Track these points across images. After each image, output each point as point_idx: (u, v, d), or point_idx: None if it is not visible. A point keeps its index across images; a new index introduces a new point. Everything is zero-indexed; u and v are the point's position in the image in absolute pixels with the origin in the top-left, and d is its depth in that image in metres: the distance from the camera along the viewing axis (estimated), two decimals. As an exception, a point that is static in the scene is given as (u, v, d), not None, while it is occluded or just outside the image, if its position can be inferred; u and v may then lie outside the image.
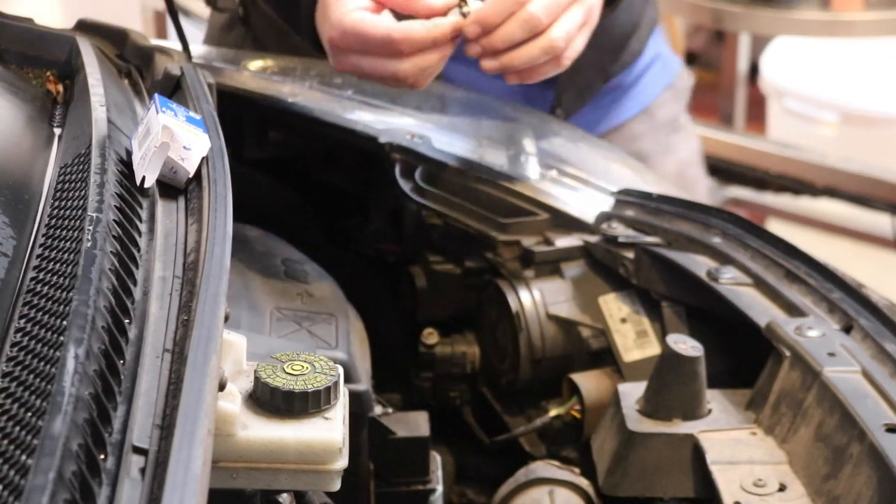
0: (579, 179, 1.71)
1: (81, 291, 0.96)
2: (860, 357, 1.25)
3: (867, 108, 3.53)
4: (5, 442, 0.85)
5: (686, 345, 1.31)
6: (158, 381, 0.94)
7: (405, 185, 1.66)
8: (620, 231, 1.54)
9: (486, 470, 1.65)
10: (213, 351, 0.93)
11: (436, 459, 1.45)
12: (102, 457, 0.85)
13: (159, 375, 0.94)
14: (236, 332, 1.10)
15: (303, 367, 1.07)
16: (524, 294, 1.57)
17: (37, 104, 1.40)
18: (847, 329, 1.30)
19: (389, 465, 1.42)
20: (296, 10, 1.61)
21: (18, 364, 0.93)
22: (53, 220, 1.12)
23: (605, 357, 1.53)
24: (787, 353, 1.28)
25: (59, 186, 1.18)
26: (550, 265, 1.59)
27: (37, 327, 0.97)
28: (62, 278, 1.01)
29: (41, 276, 1.04)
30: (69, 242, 1.06)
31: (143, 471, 0.85)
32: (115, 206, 1.11)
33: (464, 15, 1.48)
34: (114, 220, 1.09)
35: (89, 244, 1.03)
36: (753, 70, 3.87)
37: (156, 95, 1.27)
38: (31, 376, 0.91)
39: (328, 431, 1.03)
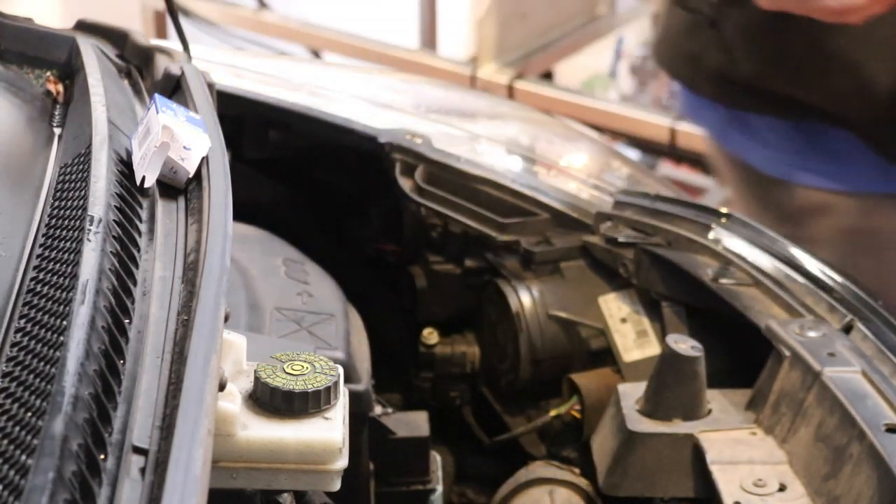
0: (579, 179, 1.71)
1: (81, 292, 0.96)
2: (860, 357, 1.25)
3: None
4: (5, 442, 0.85)
5: (686, 345, 1.31)
6: (158, 381, 0.94)
7: (405, 185, 1.66)
8: (620, 231, 1.54)
9: (486, 470, 1.65)
10: (213, 351, 0.93)
11: (436, 459, 1.45)
12: (102, 457, 0.85)
13: (159, 375, 0.94)
14: (236, 332, 1.10)
15: (303, 367, 1.07)
16: (524, 294, 1.57)
17: (37, 104, 1.40)
18: (847, 329, 1.30)
19: (389, 465, 1.42)
20: None
21: (18, 364, 0.93)
22: (53, 220, 1.12)
23: (605, 357, 1.53)
24: (787, 353, 1.28)
25: (59, 186, 1.18)
26: (550, 265, 1.59)
27: (37, 327, 0.97)
28: (62, 278, 1.01)
29: (41, 276, 1.04)
30: (69, 242, 1.06)
31: (143, 471, 0.85)
32: (115, 206, 1.11)
33: None
34: (114, 220, 1.09)
35: (89, 244, 1.03)
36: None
37: (156, 95, 1.27)
38: (31, 376, 0.91)
39: (328, 431, 1.03)
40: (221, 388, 1.00)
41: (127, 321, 0.99)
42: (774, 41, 1.68)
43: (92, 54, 1.46)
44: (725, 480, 1.21)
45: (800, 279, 1.38)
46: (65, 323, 0.94)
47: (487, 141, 1.77)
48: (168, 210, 1.18)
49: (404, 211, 1.68)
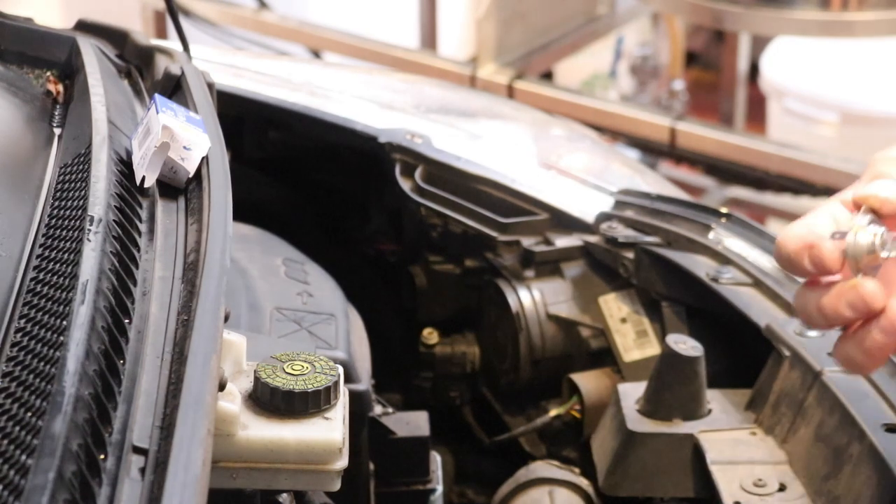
0: (579, 179, 1.71)
1: (81, 292, 0.96)
2: (860, 357, 1.24)
3: (867, 108, 3.53)
4: (5, 442, 0.85)
5: (686, 345, 1.31)
6: (158, 381, 0.94)
7: (405, 185, 1.66)
8: (620, 231, 1.54)
9: (486, 470, 1.65)
10: (213, 351, 0.93)
11: (436, 459, 1.45)
12: (102, 457, 0.85)
13: (159, 375, 0.94)
14: (236, 332, 1.09)
15: (303, 367, 1.07)
16: (524, 294, 1.57)
17: (37, 104, 1.40)
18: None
19: (389, 465, 1.42)
20: None
21: (18, 364, 0.93)
22: (53, 221, 1.12)
23: (605, 357, 1.53)
24: (787, 354, 1.28)
25: (59, 186, 1.18)
26: (550, 265, 1.59)
27: (37, 327, 0.97)
28: (62, 278, 1.01)
29: (41, 276, 1.04)
30: (69, 242, 1.06)
31: (142, 471, 0.85)
32: (115, 206, 1.11)
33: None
34: (114, 220, 1.09)
35: (89, 244, 1.03)
36: (753, 70, 3.87)
37: (156, 95, 1.27)
38: (32, 376, 0.91)
39: (328, 431, 1.03)
40: (221, 388, 1.00)
41: (127, 321, 0.99)
42: None
43: (92, 54, 1.46)
44: (725, 480, 1.21)
45: (799, 279, 1.38)
46: (65, 323, 0.94)
47: (488, 141, 1.77)
48: (168, 210, 1.18)
49: (404, 211, 1.68)
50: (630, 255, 1.50)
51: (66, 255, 1.04)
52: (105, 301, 0.97)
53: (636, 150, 3.20)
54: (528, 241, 1.59)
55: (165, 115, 1.22)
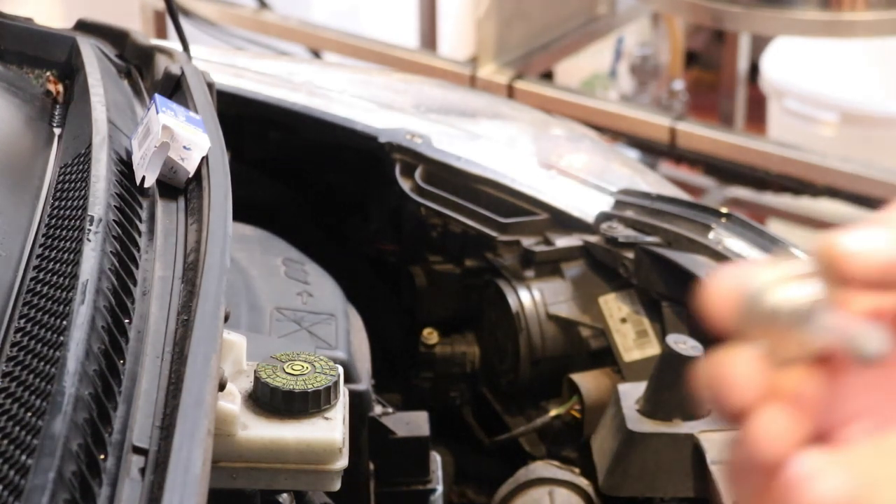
0: (579, 179, 1.71)
1: (81, 292, 0.96)
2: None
3: (867, 109, 3.53)
4: (5, 442, 0.85)
5: (686, 345, 1.31)
6: (158, 381, 0.94)
7: (405, 185, 1.66)
8: (620, 231, 1.54)
9: (486, 470, 1.64)
10: (213, 351, 0.93)
11: (436, 459, 1.45)
12: (102, 457, 0.85)
13: (159, 375, 0.94)
14: (236, 332, 1.10)
15: (303, 367, 1.07)
16: (524, 294, 1.57)
17: (37, 104, 1.40)
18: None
19: (389, 465, 1.42)
20: None
21: (18, 364, 0.93)
22: (53, 220, 1.12)
23: (605, 357, 1.53)
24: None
25: (59, 186, 1.18)
26: (550, 265, 1.59)
27: (37, 327, 0.97)
28: (62, 278, 1.01)
29: (41, 276, 1.04)
30: (69, 242, 1.06)
31: (142, 471, 0.85)
32: (115, 206, 1.11)
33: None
34: (114, 220, 1.09)
35: (89, 244, 1.03)
36: (753, 70, 3.87)
37: (156, 95, 1.27)
38: (31, 376, 0.91)
39: (328, 431, 1.03)
40: (221, 387, 1.00)
41: (127, 321, 0.99)
42: None
43: (92, 54, 1.46)
44: (725, 480, 1.21)
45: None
46: (65, 323, 0.94)
47: (488, 141, 1.77)
48: (168, 210, 1.18)
49: (404, 211, 1.68)
50: (630, 255, 1.50)
51: (66, 255, 1.04)
52: (105, 301, 0.97)
53: (636, 150, 3.20)
54: (528, 241, 1.59)
55: (165, 115, 1.22)
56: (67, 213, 1.12)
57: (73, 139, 1.27)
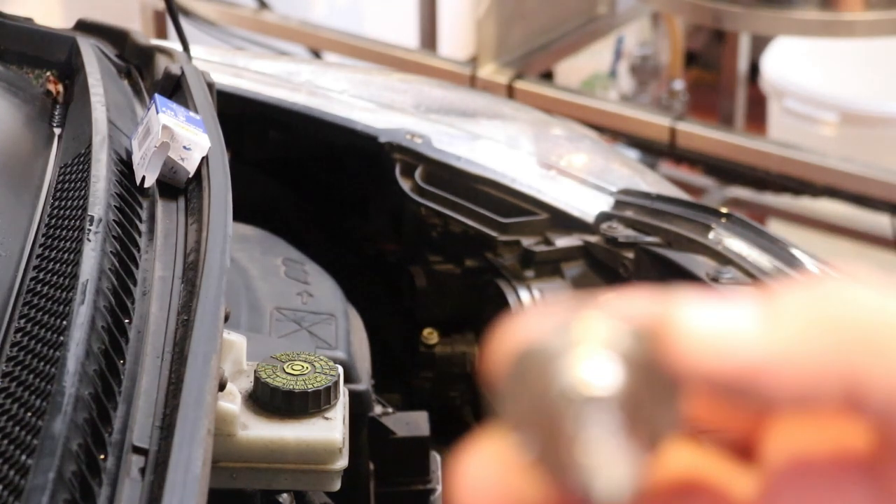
0: (579, 179, 1.71)
1: (81, 292, 0.96)
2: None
3: (867, 108, 3.53)
4: (5, 442, 0.85)
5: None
6: (158, 381, 0.94)
7: (405, 185, 1.66)
8: (620, 231, 1.54)
9: None
10: (213, 351, 0.93)
11: (436, 459, 1.45)
12: (102, 457, 0.85)
13: (159, 375, 0.94)
14: (236, 332, 1.10)
15: (303, 366, 1.07)
16: (524, 294, 1.57)
17: (37, 104, 1.40)
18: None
19: (390, 465, 1.42)
20: None
21: (18, 364, 0.93)
22: (53, 220, 1.12)
23: (605, 357, 1.52)
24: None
25: (59, 186, 1.18)
26: (550, 265, 1.59)
27: (37, 327, 0.97)
28: (62, 278, 1.01)
29: (41, 276, 1.04)
30: (69, 242, 1.06)
31: (143, 471, 0.85)
32: (115, 206, 1.11)
33: None
34: (114, 220, 1.09)
35: (89, 244, 1.03)
36: (753, 70, 3.87)
37: (156, 95, 1.27)
38: (31, 376, 0.91)
39: (328, 431, 1.03)
40: (221, 387, 1.00)
41: (127, 321, 0.99)
42: None
43: (92, 54, 1.46)
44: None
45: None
46: (65, 323, 0.94)
47: (488, 141, 1.77)
48: (168, 210, 1.18)
49: (404, 211, 1.68)
50: (630, 255, 1.50)
51: (66, 255, 1.04)
52: (105, 301, 0.97)
53: (636, 150, 3.20)
54: (528, 241, 1.59)
55: (165, 115, 1.22)
56: (67, 213, 1.12)
57: (73, 139, 1.27)
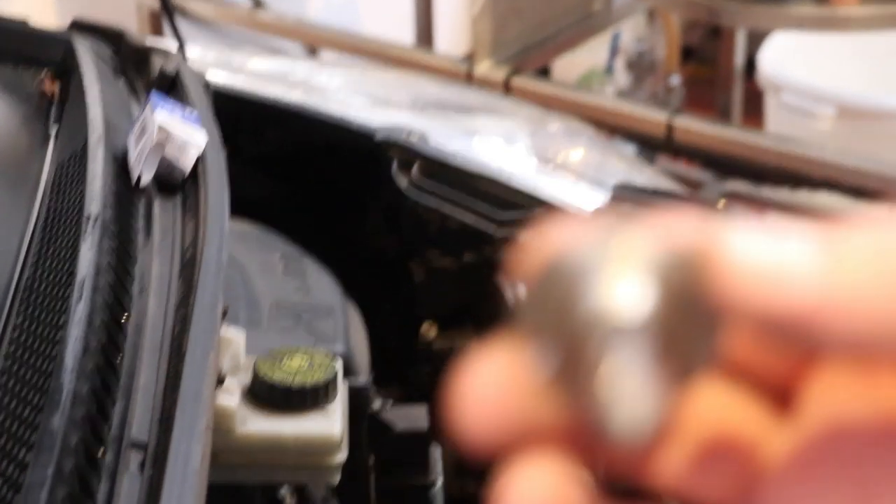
0: (576, 175, 1.71)
1: (79, 289, 0.96)
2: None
3: (864, 102, 3.53)
4: (4, 438, 0.85)
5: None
6: (157, 376, 0.94)
7: (402, 182, 1.66)
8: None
9: (486, 463, 1.64)
10: (211, 346, 0.94)
11: (435, 453, 1.45)
12: (101, 452, 0.85)
13: (157, 371, 0.94)
14: (234, 328, 1.10)
15: (301, 361, 1.07)
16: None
17: (32, 104, 1.40)
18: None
19: (389, 458, 1.42)
20: None
21: (16, 361, 0.93)
22: (50, 218, 1.12)
23: (603, 350, 1.53)
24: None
25: (56, 184, 1.18)
26: (548, 260, 1.59)
27: (34, 324, 0.97)
28: (60, 275, 1.01)
29: (39, 273, 1.04)
30: (66, 240, 1.06)
31: (141, 466, 0.85)
32: (112, 203, 1.11)
33: None
34: (110, 217, 1.09)
35: (86, 241, 1.03)
36: (750, 65, 3.87)
37: (152, 93, 1.27)
38: (30, 373, 0.91)
39: (327, 426, 1.04)
40: (220, 383, 1.00)
41: (124, 317, 0.99)
42: None
43: (87, 54, 1.46)
44: None
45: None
46: (62, 319, 0.94)
47: (484, 136, 1.77)
48: (165, 207, 1.18)
49: (401, 207, 1.68)
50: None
51: (63, 253, 1.04)
52: (102, 297, 0.98)
53: (633, 145, 3.21)
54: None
55: (161, 114, 1.22)
56: (64, 210, 1.12)
57: (70, 138, 1.27)
